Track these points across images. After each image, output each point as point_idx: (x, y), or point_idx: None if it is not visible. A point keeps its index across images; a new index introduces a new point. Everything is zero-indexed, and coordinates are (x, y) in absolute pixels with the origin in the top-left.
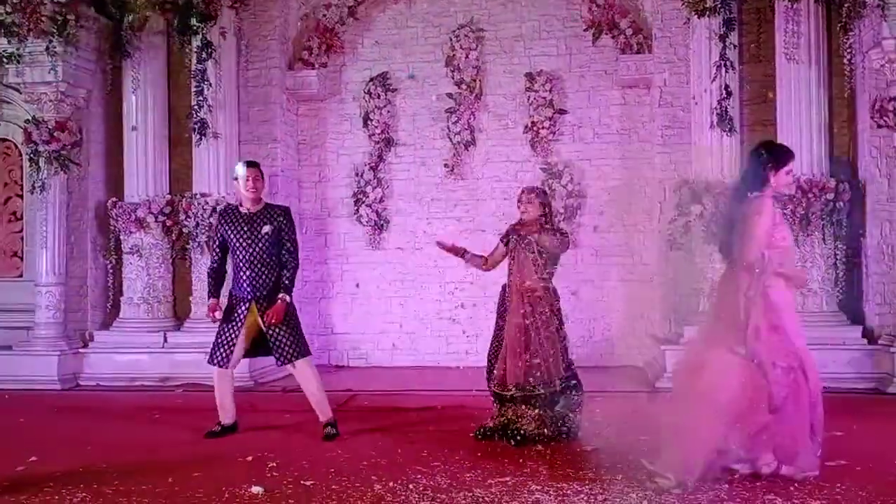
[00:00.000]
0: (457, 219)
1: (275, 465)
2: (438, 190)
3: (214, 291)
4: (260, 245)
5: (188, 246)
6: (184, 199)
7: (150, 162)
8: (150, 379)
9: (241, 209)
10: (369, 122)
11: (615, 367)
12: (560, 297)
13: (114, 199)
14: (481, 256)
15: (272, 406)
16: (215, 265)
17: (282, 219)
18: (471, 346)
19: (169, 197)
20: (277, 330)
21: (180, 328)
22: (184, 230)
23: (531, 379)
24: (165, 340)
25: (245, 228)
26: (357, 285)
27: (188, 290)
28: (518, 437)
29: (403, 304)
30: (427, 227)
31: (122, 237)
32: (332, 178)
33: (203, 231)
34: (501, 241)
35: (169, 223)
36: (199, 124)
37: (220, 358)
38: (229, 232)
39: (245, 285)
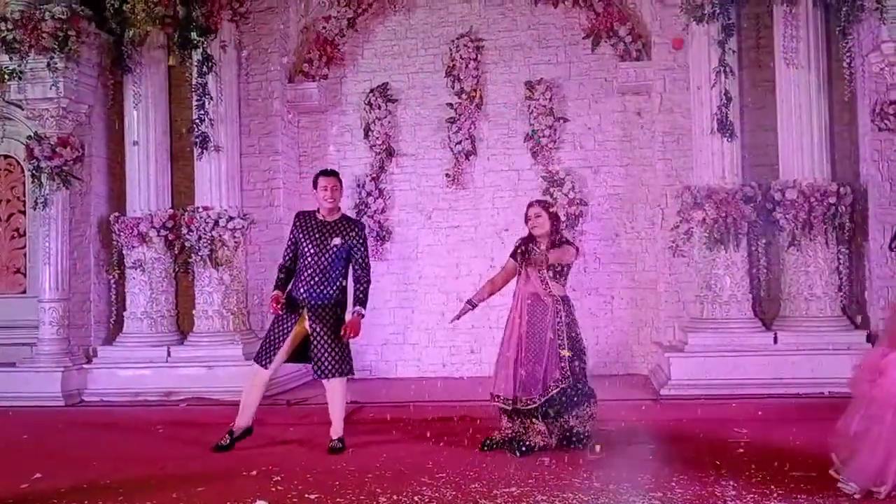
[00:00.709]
0: (458, 228)
1: (279, 478)
2: (440, 200)
3: (281, 285)
4: (327, 255)
5: (191, 260)
6: (186, 213)
7: (151, 176)
8: (154, 394)
9: (317, 215)
10: (370, 133)
11: (620, 375)
12: (572, 305)
13: (116, 213)
14: (487, 287)
15: (277, 419)
16: (286, 264)
17: (353, 233)
18: (475, 356)
19: (171, 211)
20: (323, 341)
21: (183, 342)
22: (186, 244)
23: (528, 392)
24: (169, 355)
25: (317, 235)
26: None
27: (191, 303)
28: (524, 448)
29: (407, 315)
30: (429, 236)
31: (124, 252)
32: None
33: (205, 245)
34: (512, 257)
35: (171, 237)
36: (200, 138)
37: (264, 358)
38: (301, 235)
39: (302, 290)
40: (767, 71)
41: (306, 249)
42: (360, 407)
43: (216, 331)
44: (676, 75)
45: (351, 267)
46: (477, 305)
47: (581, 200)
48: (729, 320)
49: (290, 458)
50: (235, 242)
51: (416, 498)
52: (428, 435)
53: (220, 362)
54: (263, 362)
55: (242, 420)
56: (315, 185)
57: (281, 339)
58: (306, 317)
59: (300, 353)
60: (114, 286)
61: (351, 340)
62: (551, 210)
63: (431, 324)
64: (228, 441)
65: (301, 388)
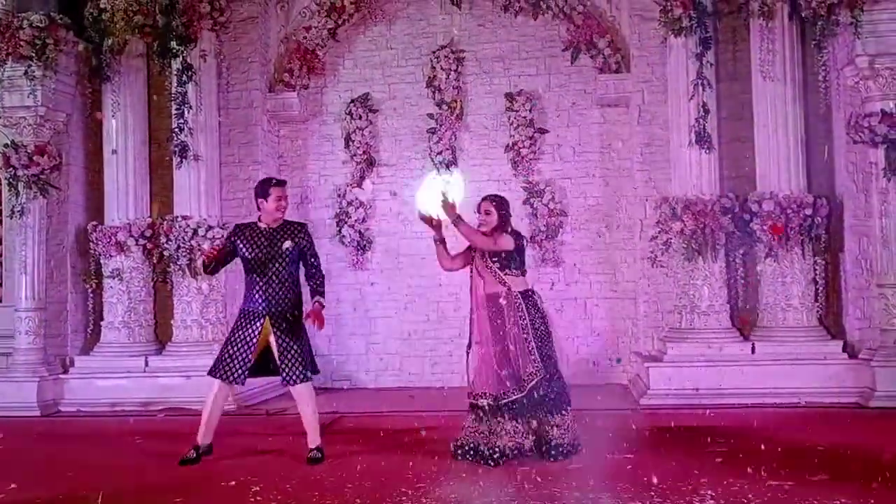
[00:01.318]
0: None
1: (258, 489)
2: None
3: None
4: (279, 261)
5: (169, 269)
6: (165, 222)
7: (130, 185)
8: (132, 404)
9: (259, 225)
10: (351, 143)
11: (599, 385)
12: (538, 298)
13: (94, 222)
14: (448, 253)
15: (255, 429)
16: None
17: (302, 235)
18: (456, 366)
19: (150, 220)
20: (289, 347)
21: (162, 352)
22: (164, 253)
23: (500, 387)
24: (147, 365)
25: (264, 243)
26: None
27: (169, 313)
28: (496, 456)
29: (387, 325)
30: (410, 246)
31: (102, 261)
32: (314, 199)
33: (184, 254)
34: (468, 249)
35: (150, 246)
36: (179, 147)
37: (233, 374)
38: (244, 247)
39: (259, 300)
40: (745, 83)
41: (255, 259)
42: (339, 417)
43: (195, 340)
44: (655, 87)
45: (303, 269)
46: (436, 237)
47: (561, 211)
48: (707, 330)
49: (269, 469)
50: None
51: None
52: (407, 444)
53: (198, 372)
54: (234, 378)
55: (206, 438)
56: (265, 195)
57: (249, 352)
58: (269, 327)
59: (260, 367)
60: (91, 295)
61: (332, 350)
62: (502, 210)
63: (413, 333)
64: (195, 455)
65: (280, 399)
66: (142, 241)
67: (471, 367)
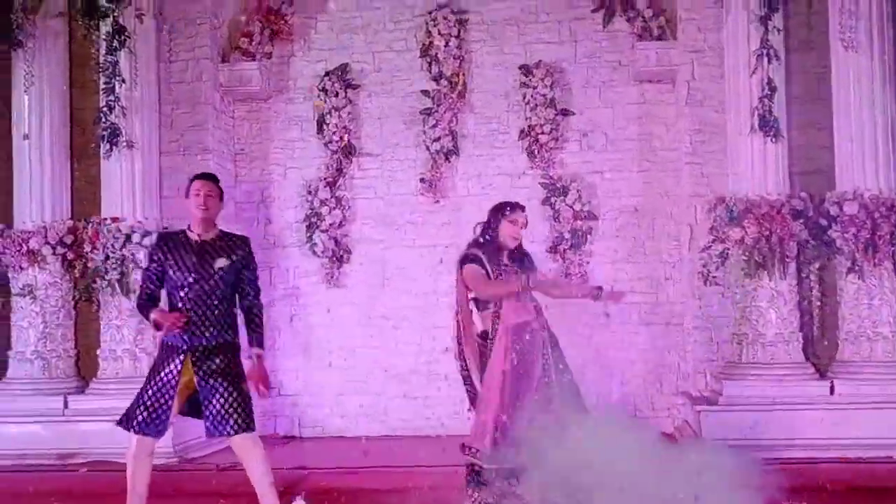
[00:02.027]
0: (436, 247)
1: None
2: (413, 211)
3: (153, 307)
4: (210, 282)
5: (95, 285)
6: (90, 226)
7: (46, 179)
8: (47, 456)
9: (189, 234)
10: (325, 127)
11: None
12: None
13: (0, 226)
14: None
15: (202, 488)
16: (145, 295)
17: (241, 252)
18: (456, 408)
19: (71, 223)
20: (216, 391)
21: (85, 391)
22: (89, 265)
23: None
24: (66, 406)
25: (193, 259)
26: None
27: (95, 341)
28: None
29: (370, 356)
30: (399, 257)
31: (10, 275)
32: (277, 197)
33: (114, 266)
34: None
35: (71, 256)
36: (109, 131)
37: (151, 424)
38: (170, 262)
39: (179, 332)
40: (821, 54)
41: (179, 279)
42: (308, 474)
43: (127, 376)
44: (708, 59)
45: (238, 295)
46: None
47: (589, 214)
48: (774, 365)
49: None
50: None
51: None
52: None
53: None
54: (152, 431)
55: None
56: (187, 193)
57: (169, 397)
58: (189, 365)
59: (188, 408)
60: None
61: (299, 388)
62: None
63: (402, 368)
64: None
65: (228, 450)
66: (60, 250)
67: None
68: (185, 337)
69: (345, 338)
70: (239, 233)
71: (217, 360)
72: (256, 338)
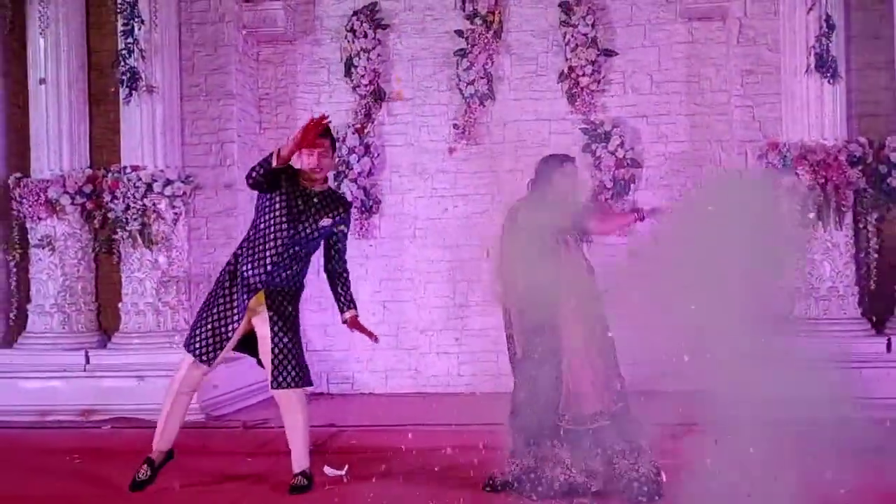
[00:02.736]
0: (469, 197)
1: None
2: (445, 159)
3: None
4: (307, 231)
5: (116, 236)
6: (109, 175)
7: (64, 125)
8: (68, 412)
9: (300, 178)
10: (353, 71)
11: (673, 392)
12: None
13: (17, 175)
14: None
15: (229, 447)
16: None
17: (343, 216)
18: (491, 365)
19: (90, 172)
20: (282, 338)
21: (107, 345)
22: (109, 215)
23: (586, 405)
24: (87, 361)
25: (300, 203)
26: None
27: (117, 294)
28: (540, 489)
29: (401, 311)
30: (431, 208)
31: (28, 225)
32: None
33: (135, 216)
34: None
35: (90, 206)
36: (128, 75)
37: (203, 348)
38: (282, 190)
39: (259, 268)
40: None
41: (280, 216)
42: (338, 432)
43: (149, 330)
44: None
45: (326, 255)
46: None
47: (633, 161)
48: (828, 320)
49: (248, 499)
50: (175, 214)
51: None
52: (431, 469)
53: (154, 371)
54: (207, 356)
55: (163, 441)
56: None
57: (230, 329)
58: (263, 304)
59: (243, 346)
60: (14, 270)
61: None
62: None
63: (435, 323)
64: (149, 474)
65: (259, 407)
66: (79, 200)
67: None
68: (264, 275)
69: (375, 291)
70: (341, 193)
71: (287, 307)
72: (349, 299)
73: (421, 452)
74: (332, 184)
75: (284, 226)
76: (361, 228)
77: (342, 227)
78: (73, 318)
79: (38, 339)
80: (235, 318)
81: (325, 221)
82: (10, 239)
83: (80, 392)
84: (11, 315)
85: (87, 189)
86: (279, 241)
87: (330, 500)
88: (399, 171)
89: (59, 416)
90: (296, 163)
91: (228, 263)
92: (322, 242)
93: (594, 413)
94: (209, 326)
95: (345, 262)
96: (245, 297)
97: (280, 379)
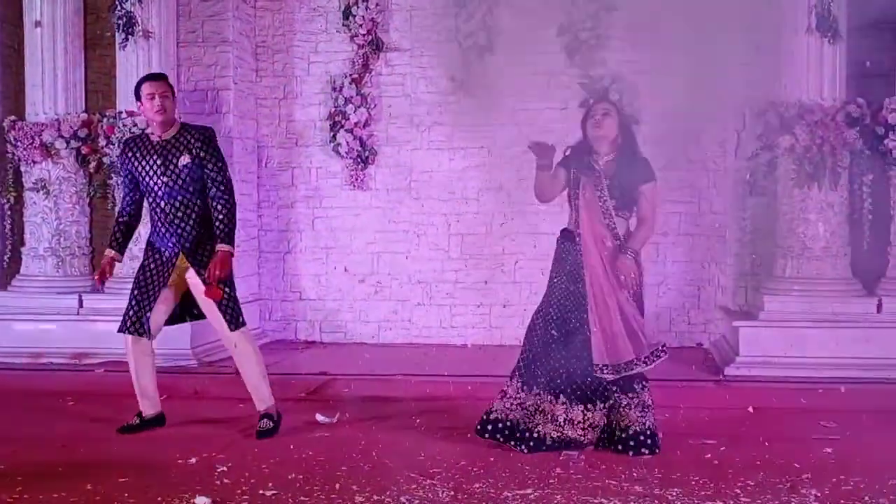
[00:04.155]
0: (465, 150)
1: (225, 469)
2: (442, 111)
3: (116, 244)
4: (179, 181)
5: (110, 181)
6: (105, 119)
7: (59, 69)
8: (62, 355)
9: (150, 137)
10: (351, 20)
11: (673, 347)
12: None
13: (12, 117)
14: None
15: (221, 392)
16: (125, 211)
17: (199, 144)
18: (483, 317)
19: (85, 116)
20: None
21: (101, 289)
22: (104, 160)
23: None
24: (81, 305)
25: (158, 161)
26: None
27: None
28: (530, 443)
29: (394, 263)
30: (427, 160)
31: (22, 168)
32: (301, 93)
33: None
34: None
35: (85, 150)
36: (124, 19)
37: (132, 323)
38: (138, 167)
39: (167, 235)
40: None
41: (151, 182)
42: (330, 379)
43: None
44: None
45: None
46: (543, 161)
47: (631, 117)
48: (820, 280)
49: (240, 444)
50: None
51: (403, 499)
52: (420, 419)
53: None
54: (132, 328)
55: (147, 408)
56: (138, 97)
57: (152, 293)
58: (186, 265)
59: (185, 311)
60: (9, 213)
61: (321, 293)
62: (622, 112)
63: (428, 275)
64: (138, 422)
65: None
66: (74, 144)
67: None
68: (173, 239)
69: (369, 242)
70: (199, 125)
71: (208, 258)
72: (223, 234)
73: (412, 402)
74: (324, 130)
75: (156, 184)
76: (356, 179)
77: (206, 158)
78: (67, 262)
79: (31, 283)
80: (156, 285)
81: (185, 160)
82: (4, 182)
83: (74, 335)
84: (5, 258)
85: (82, 133)
86: (162, 202)
87: (321, 447)
88: (396, 123)
89: (52, 359)
90: (145, 115)
91: (146, 244)
92: (203, 181)
93: (624, 362)
94: (134, 302)
95: (221, 191)
96: (167, 266)
97: (231, 321)
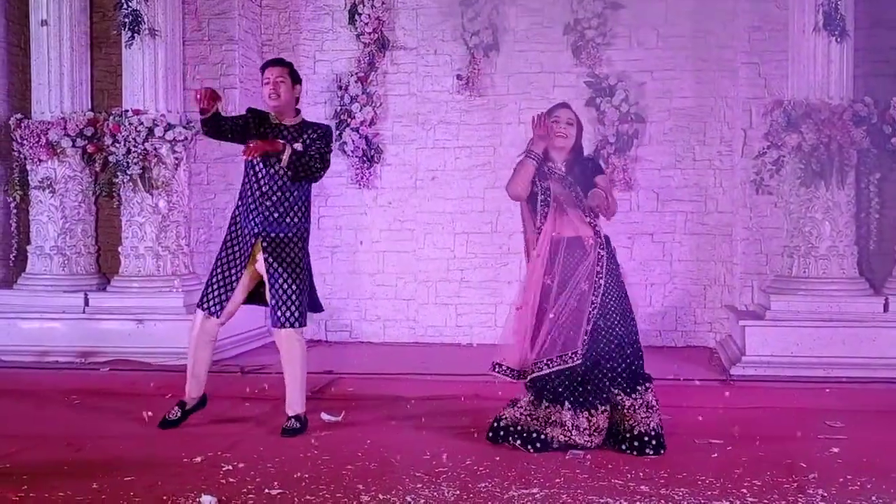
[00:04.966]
0: (471, 148)
1: (231, 468)
2: (448, 109)
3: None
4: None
5: (116, 180)
6: (111, 118)
7: (65, 67)
8: (67, 353)
9: (271, 118)
10: (357, 18)
11: (678, 347)
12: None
13: (18, 115)
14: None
15: (228, 391)
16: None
17: (315, 135)
18: (489, 316)
19: (91, 114)
20: (281, 280)
21: (106, 288)
22: (110, 159)
23: (552, 351)
24: (87, 304)
25: (272, 139)
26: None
27: (117, 237)
28: (538, 445)
29: (400, 261)
30: (433, 158)
31: (29, 167)
32: (306, 91)
33: (136, 160)
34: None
35: (91, 149)
36: (131, 17)
37: (211, 302)
38: (254, 131)
39: (254, 215)
40: None
41: (254, 163)
42: (336, 378)
43: (149, 274)
44: None
45: None
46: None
47: (637, 116)
48: (827, 280)
49: (246, 442)
50: (176, 159)
51: (408, 498)
52: (426, 418)
53: (153, 315)
54: (212, 308)
55: (194, 388)
56: (262, 81)
57: (233, 279)
58: (260, 253)
59: (253, 297)
60: (14, 211)
61: (326, 292)
62: (579, 119)
63: (433, 274)
64: (179, 415)
65: (254, 353)
66: (80, 143)
67: (533, 333)
68: (259, 221)
69: (374, 241)
70: (320, 122)
71: (287, 253)
72: (304, 152)
73: (418, 401)
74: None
75: (260, 165)
76: (362, 178)
77: (316, 141)
78: (73, 261)
79: (37, 281)
80: (237, 268)
81: (298, 146)
82: (10, 180)
83: (79, 334)
84: (12, 256)
85: (88, 132)
86: (263, 182)
87: (327, 446)
88: (401, 122)
89: (57, 358)
90: (263, 99)
91: (231, 218)
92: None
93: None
94: (215, 280)
95: (320, 160)
96: (246, 247)
97: (275, 317)
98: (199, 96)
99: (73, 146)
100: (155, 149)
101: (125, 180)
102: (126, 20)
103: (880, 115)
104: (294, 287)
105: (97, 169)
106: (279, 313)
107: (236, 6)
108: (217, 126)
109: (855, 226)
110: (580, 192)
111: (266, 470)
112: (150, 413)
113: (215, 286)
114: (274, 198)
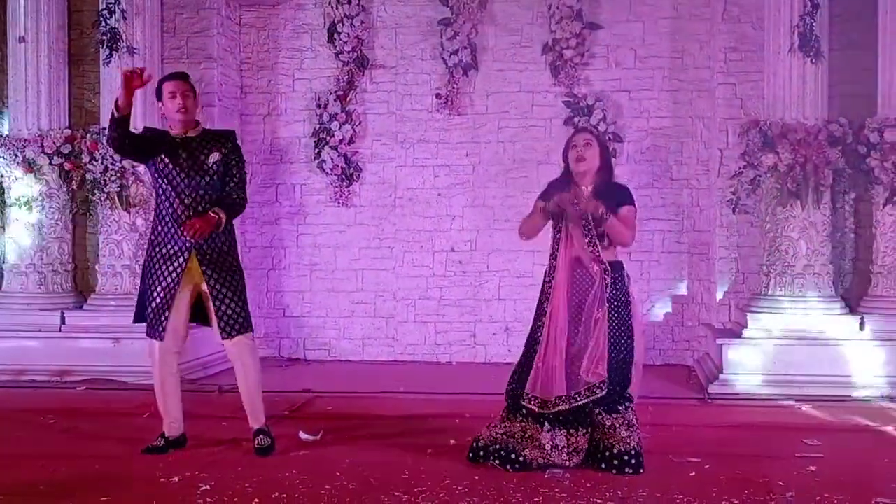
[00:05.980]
0: (451, 167)
1: (208, 487)
2: (427, 128)
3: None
4: (206, 178)
5: (93, 197)
6: (88, 136)
7: (43, 84)
8: (43, 372)
9: (172, 134)
10: (336, 37)
11: (657, 365)
12: (627, 276)
13: None
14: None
15: (204, 411)
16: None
17: (230, 144)
18: (468, 335)
19: (69, 132)
20: (226, 291)
21: (83, 306)
22: (88, 176)
23: (552, 388)
24: (63, 322)
25: (184, 155)
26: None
27: (93, 255)
28: (517, 466)
29: (378, 279)
30: (412, 177)
31: (5, 184)
32: (285, 110)
33: (113, 178)
34: (541, 198)
35: (68, 166)
36: (109, 35)
37: (160, 327)
38: (161, 156)
39: (180, 232)
40: None
41: (175, 175)
42: (313, 397)
43: (126, 292)
44: None
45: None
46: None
47: (614, 135)
48: (803, 298)
49: (223, 462)
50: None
51: None
52: (403, 436)
53: (130, 333)
54: (158, 333)
55: (173, 428)
56: (159, 96)
57: (168, 296)
58: (197, 267)
59: (196, 314)
60: None
61: (305, 310)
62: (602, 141)
63: (412, 292)
64: (162, 443)
65: (230, 372)
66: (57, 160)
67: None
68: (189, 239)
69: (353, 259)
70: (221, 128)
71: (223, 263)
72: (225, 205)
73: (396, 420)
74: (309, 147)
75: (180, 178)
76: (341, 196)
77: (232, 157)
78: (50, 279)
79: (13, 299)
80: (170, 288)
81: (215, 156)
82: None
83: (56, 352)
84: None
85: (66, 149)
86: (183, 197)
87: (305, 465)
88: (381, 140)
89: (33, 376)
90: (166, 116)
91: (148, 245)
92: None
93: (565, 395)
94: (153, 306)
95: (242, 190)
96: (177, 264)
97: (223, 328)
98: (129, 75)
99: (51, 164)
100: (133, 166)
101: (102, 198)
102: (104, 38)
103: (855, 135)
104: (237, 296)
105: (74, 186)
106: (224, 323)
107: (215, 24)
108: (127, 132)
109: (831, 245)
110: (592, 226)
111: (244, 490)
112: (147, 414)
113: (154, 311)
114: (199, 208)
